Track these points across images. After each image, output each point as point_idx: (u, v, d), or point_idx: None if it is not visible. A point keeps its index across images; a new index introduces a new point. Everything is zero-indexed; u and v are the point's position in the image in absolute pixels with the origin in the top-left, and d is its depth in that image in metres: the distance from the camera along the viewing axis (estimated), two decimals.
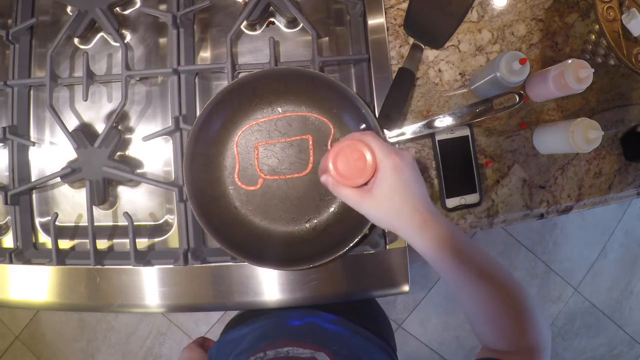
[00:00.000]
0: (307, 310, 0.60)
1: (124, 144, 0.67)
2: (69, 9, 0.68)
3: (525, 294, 0.43)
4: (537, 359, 0.41)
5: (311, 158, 0.60)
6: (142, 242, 0.65)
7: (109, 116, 0.67)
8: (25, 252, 0.63)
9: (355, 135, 0.47)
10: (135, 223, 0.60)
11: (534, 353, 0.41)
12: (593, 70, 0.54)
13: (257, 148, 0.61)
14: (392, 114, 0.58)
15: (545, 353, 0.41)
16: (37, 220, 0.66)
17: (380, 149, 0.45)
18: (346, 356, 0.48)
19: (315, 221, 0.60)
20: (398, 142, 0.61)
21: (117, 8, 0.67)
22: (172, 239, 0.65)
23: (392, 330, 0.77)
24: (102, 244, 0.65)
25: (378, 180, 0.44)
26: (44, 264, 0.61)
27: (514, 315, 0.42)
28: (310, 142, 0.61)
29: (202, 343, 0.64)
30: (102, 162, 0.61)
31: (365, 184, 0.46)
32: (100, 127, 0.67)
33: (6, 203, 0.61)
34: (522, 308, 0.42)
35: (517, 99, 0.55)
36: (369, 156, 0.45)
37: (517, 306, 0.43)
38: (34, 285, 0.61)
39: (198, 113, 0.58)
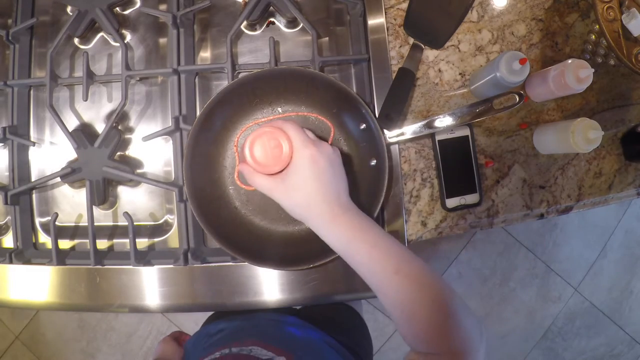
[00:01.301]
0: (283, 316, 0.60)
1: (124, 144, 0.67)
2: (69, 9, 0.68)
3: (448, 293, 0.41)
4: None
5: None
6: (142, 242, 0.65)
7: (109, 116, 0.67)
8: (25, 252, 0.63)
9: (276, 123, 0.46)
10: (135, 223, 0.60)
11: (459, 356, 0.39)
12: (593, 70, 0.54)
13: None
14: (392, 114, 0.58)
15: (473, 355, 0.39)
16: (37, 220, 0.66)
17: (298, 138, 0.44)
18: None
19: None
20: (398, 142, 0.61)
21: (117, 8, 0.67)
22: (172, 239, 0.65)
23: (371, 342, 0.77)
24: (102, 244, 0.65)
25: (291, 169, 0.44)
26: (44, 264, 0.61)
27: (434, 316, 0.40)
28: None
29: (178, 337, 0.64)
30: (102, 162, 0.61)
31: (281, 172, 0.46)
32: (100, 127, 0.67)
33: (6, 203, 0.61)
34: (444, 308, 0.40)
35: (517, 99, 0.55)
36: (285, 145, 0.44)
37: (437, 306, 0.40)
38: (34, 285, 0.61)
39: (198, 113, 0.58)
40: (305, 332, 0.58)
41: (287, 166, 0.45)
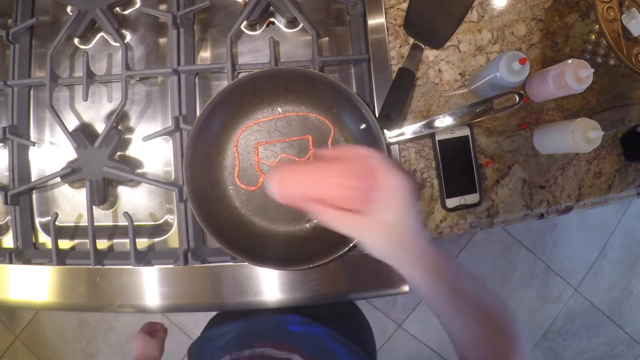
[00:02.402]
0: (287, 316, 0.60)
1: (124, 144, 0.67)
2: (69, 9, 0.68)
3: (513, 318, 0.41)
4: None
5: (311, 158, 0.60)
6: (142, 242, 0.65)
7: (109, 116, 0.67)
8: (25, 252, 0.63)
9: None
10: (135, 223, 0.60)
11: None
12: (593, 70, 0.54)
13: (257, 148, 0.61)
14: (392, 114, 0.58)
15: None
16: (37, 220, 0.66)
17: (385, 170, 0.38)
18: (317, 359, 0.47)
19: (316, 221, 0.60)
20: (398, 142, 0.61)
21: (117, 8, 0.67)
22: (172, 239, 0.65)
23: (373, 337, 0.76)
24: (102, 244, 0.65)
25: (379, 204, 0.37)
26: (44, 264, 0.61)
27: (501, 341, 0.40)
28: (310, 142, 0.61)
29: (149, 329, 0.63)
30: (102, 162, 0.61)
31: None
32: (100, 127, 0.67)
33: (6, 203, 0.61)
34: (510, 334, 0.41)
35: (517, 99, 0.55)
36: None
37: (505, 333, 0.41)
38: (34, 285, 0.61)
39: (198, 113, 0.58)
40: (307, 328, 0.58)
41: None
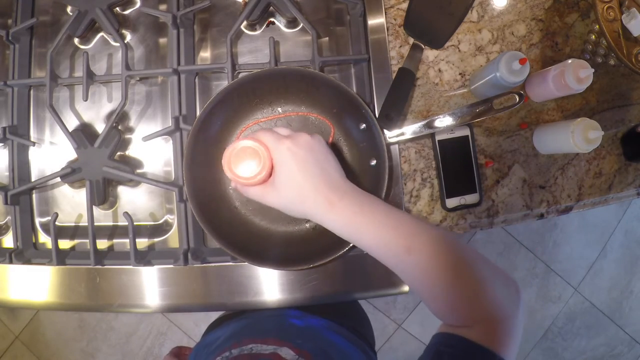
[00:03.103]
0: (283, 309, 0.60)
1: (124, 144, 0.67)
2: (69, 9, 0.68)
3: (470, 260, 0.38)
4: (495, 331, 0.36)
5: None
6: (142, 242, 0.65)
7: (109, 116, 0.67)
8: (25, 252, 0.63)
9: (248, 135, 0.45)
10: (135, 223, 0.60)
11: (491, 325, 0.36)
12: (593, 70, 0.54)
13: None
14: (392, 114, 0.58)
15: (508, 322, 0.37)
16: (37, 220, 0.66)
17: (269, 138, 0.43)
18: (310, 349, 0.48)
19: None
20: (398, 142, 0.61)
21: (117, 8, 0.67)
22: (172, 239, 0.65)
23: (371, 325, 0.76)
24: (102, 244, 0.65)
25: (275, 170, 0.43)
26: (44, 264, 0.61)
27: (456, 288, 0.38)
28: None
29: (178, 353, 0.64)
30: (102, 162, 0.61)
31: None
32: (100, 127, 0.67)
33: (6, 203, 0.61)
34: (466, 278, 0.38)
35: (517, 99, 0.55)
36: (260, 149, 0.43)
37: (458, 277, 0.38)
38: (34, 285, 0.61)
39: (198, 113, 0.58)
40: (307, 321, 0.58)
41: (271, 169, 0.44)
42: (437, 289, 0.39)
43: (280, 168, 0.43)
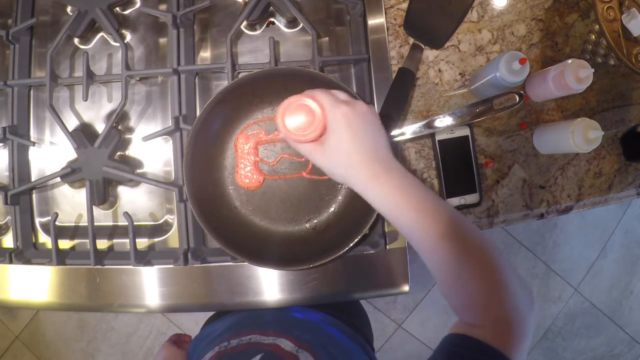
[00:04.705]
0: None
1: (124, 144, 0.66)
2: (69, 9, 0.68)
3: (498, 261, 0.39)
4: (509, 333, 0.37)
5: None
6: (142, 242, 0.64)
7: (109, 116, 0.67)
8: (25, 252, 0.63)
9: (305, 92, 0.45)
10: (135, 223, 0.60)
11: (506, 326, 0.37)
12: (593, 70, 0.54)
13: (257, 148, 0.61)
14: (392, 114, 0.58)
15: (522, 324, 0.37)
16: (37, 220, 0.66)
17: (327, 100, 0.43)
18: (309, 341, 0.48)
19: (315, 221, 0.60)
20: (398, 142, 0.61)
21: (117, 8, 0.67)
22: (172, 239, 0.65)
23: (369, 322, 0.76)
24: (102, 244, 0.65)
25: (328, 132, 0.43)
26: (44, 264, 0.61)
27: (480, 283, 0.38)
28: None
29: (177, 340, 0.64)
30: (102, 162, 0.61)
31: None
32: (100, 127, 0.67)
33: (6, 203, 0.61)
34: (492, 276, 0.38)
35: (517, 99, 0.55)
36: (317, 109, 0.43)
37: (485, 274, 0.38)
38: (34, 285, 0.61)
39: (198, 113, 0.58)
40: (307, 315, 0.58)
41: (323, 130, 0.44)
42: (462, 280, 0.39)
43: (333, 131, 0.42)
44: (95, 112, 0.67)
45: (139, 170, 0.66)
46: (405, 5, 0.64)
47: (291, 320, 0.56)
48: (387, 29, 0.63)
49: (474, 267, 0.39)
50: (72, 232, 0.66)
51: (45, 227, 0.66)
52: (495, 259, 0.39)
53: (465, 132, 0.62)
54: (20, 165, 0.64)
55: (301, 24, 0.65)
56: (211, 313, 0.75)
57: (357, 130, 0.42)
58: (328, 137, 0.43)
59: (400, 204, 0.41)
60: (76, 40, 0.68)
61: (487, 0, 0.65)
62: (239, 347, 0.47)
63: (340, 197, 0.60)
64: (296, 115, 0.43)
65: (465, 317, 0.40)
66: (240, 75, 0.63)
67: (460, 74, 0.64)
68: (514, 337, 0.37)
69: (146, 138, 0.61)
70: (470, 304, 0.40)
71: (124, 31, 0.67)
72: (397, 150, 0.62)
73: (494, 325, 0.37)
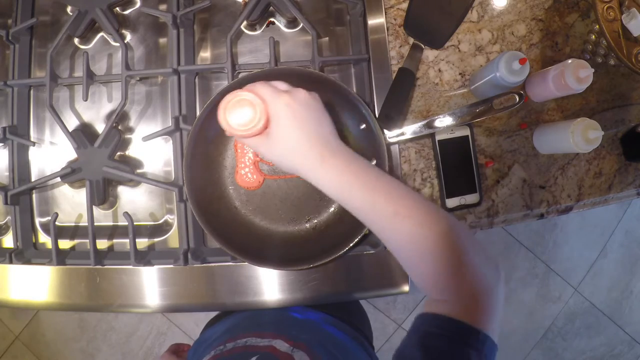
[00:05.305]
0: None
1: (124, 144, 0.67)
2: (69, 9, 0.68)
3: (455, 232, 0.38)
4: (477, 306, 0.37)
5: None
6: (142, 242, 0.65)
7: (109, 116, 0.67)
8: (25, 252, 0.63)
9: (246, 86, 0.44)
10: (135, 223, 0.60)
11: (473, 300, 0.37)
12: (593, 70, 0.54)
13: None
14: (392, 114, 0.58)
15: (489, 296, 0.37)
16: (37, 220, 0.66)
17: (268, 91, 0.42)
18: (306, 340, 0.48)
19: (315, 221, 0.60)
20: (398, 142, 0.61)
21: (117, 8, 0.67)
22: (172, 239, 0.65)
23: (369, 322, 0.76)
24: (102, 244, 0.65)
25: (271, 123, 0.42)
26: (44, 264, 0.61)
27: (439, 258, 0.38)
28: None
29: (176, 349, 0.64)
30: (102, 162, 0.61)
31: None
32: (100, 127, 0.67)
33: (6, 203, 0.61)
34: (450, 249, 0.37)
35: (517, 99, 0.55)
36: (257, 102, 0.42)
37: (442, 247, 0.38)
38: (34, 285, 0.61)
39: (198, 113, 0.58)
40: (306, 315, 0.58)
41: (267, 122, 0.43)
42: (421, 257, 0.39)
43: (277, 122, 0.42)
44: (95, 112, 0.67)
45: (139, 170, 0.66)
46: (405, 5, 0.64)
47: (289, 321, 0.56)
48: (387, 29, 0.63)
49: (430, 244, 0.38)
50: (72, 232, 0.66)
51: (45, 227, 0.66)
52: (453, 235, 0.38)
53: (465, 132, 0.62)
54: (20, 165, 0.64)
55: (301, 24, 0.65)
56: (211, 314, 0.75)
57: (300, 117, 0.42)
58: (271, 128, 0.42)
59: (349, 185, 0.41)
60: (76, 40, 0.68)
61: (487, 0, 0.65)
62: (235, 350, 0.47)
63: None
64: (237, 110, 0.43)
65: (432, 293, 0.40)
66: (240, 75, 0.63)
67: (460, 74, 0.64)
68: (482, 309, 0.37)
69: (146, 138, 0.61)
70: (433, 281, 0.39)
71: (124, 31, 0.67)
72: (391, 151, 0.62)
73: (460, 300, 0.37)
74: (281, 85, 0.45)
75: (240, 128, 0.43)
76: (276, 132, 0.42)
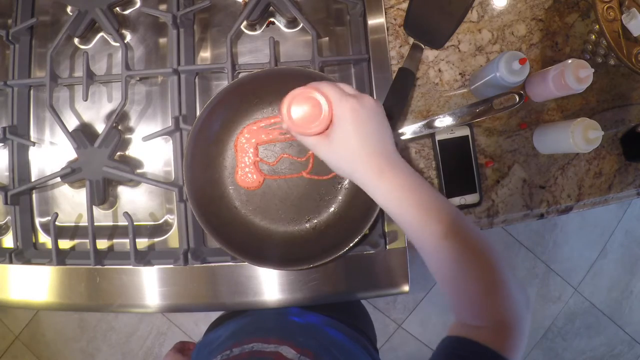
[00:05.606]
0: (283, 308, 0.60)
1: (124, 144, 0.66)
2: (69, 9, 0.68)
3: (499, 262, 0.39)
4: (507, 334, 0.37)
5: (311, 158, 0.61)
6: (142, 242, 0.64)
7: (109, 116, 0.67)
8: (25, 252, 0.63)
9: (312, 84, 0.44)
10: (135, 223, 0.60)
11: (503, 327, 0.37)
12: (593, 70, 0.54)
13: (257, 148, 0.61)
14: (392, 114, 0.58)
15: (519, 325, 0.37)
16: (37, 220, 0.66)
17: (334, 92, 0.42)
18: (312, 347, 0.47)
19: (315, 221, 0.60)
20: (398, 142, 0.61)
21: (117, 8, 0.67)
22: (172, 239, 0.65)
23: (372, 322, 0.76)
24: (102, 244, 0.65)
25: (334, 125, 0.42)
26: (44, 264, 0.61)
27: (481, 285, 0.38)
28: None
29: (181, 348, 0.64)
30: (102, 162, 0.61)
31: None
32: (100, 127, 0.67)
33: (6, 203, 0.61)
34: (493, 277, 0.38)
35: (517, 99, 0.55)
36: (324, 102, 0.42)
37: (486, 275, 0.39)
38: (34, 285, 0.61)
39: (198, 113, 0.58)
40: (306, 318, 0.58)
41: (330, 123, 0.43)
42: (461, 280, 0.40)
43: (340, 125, 0.42)
44: (95, 112, 0.67)
45: (139, 170, 0.66)
46: (405, 5, 0.64)
47: (292, 326, 0.56)
48: (387, 29, 0.63)
49: (473, 267, 0.39)
50: (72, 232, 0.66)
51: (45, 227, 0.66)
52: (495, 260, 0.39)
53: (465, 132, 0.62)
54: (20, 165, 0.64)
55: (301, 24, 0.65)
56: (211, 314, 0.75)
57: (364, 124, 0.41)
58: (334, 131, 0.42)
59: (404, 202, 0.41)
60: (76, 40, 0.68)
61: (487, 0, 0.65)
62: (242, 356, 0.47)
63: (340, 197, 0.60)
64: (302, 106, 0.42)
65: (463, 317, 0.40)
66: (240, 75, 0.63)
67: (460, 74, 0.64)
68: (512, 338, 0.37)
69: (146, 138, 0.61)
70: (468, 304, 0.40)
71: (124, 31, 0.67)
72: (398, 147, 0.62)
73: (492, 326, 0.38)
74: (348, 88, 0.44)
75: (302, 124, 0.42)
76: (339, 135, 0.42)
